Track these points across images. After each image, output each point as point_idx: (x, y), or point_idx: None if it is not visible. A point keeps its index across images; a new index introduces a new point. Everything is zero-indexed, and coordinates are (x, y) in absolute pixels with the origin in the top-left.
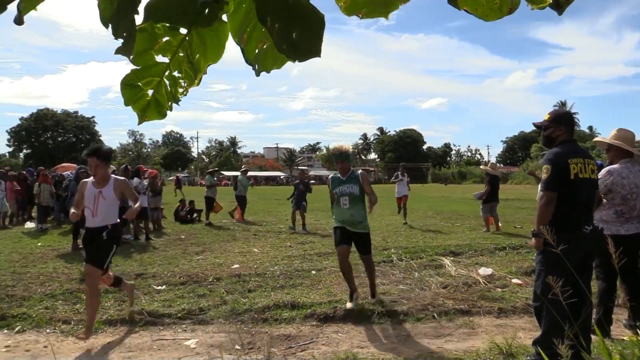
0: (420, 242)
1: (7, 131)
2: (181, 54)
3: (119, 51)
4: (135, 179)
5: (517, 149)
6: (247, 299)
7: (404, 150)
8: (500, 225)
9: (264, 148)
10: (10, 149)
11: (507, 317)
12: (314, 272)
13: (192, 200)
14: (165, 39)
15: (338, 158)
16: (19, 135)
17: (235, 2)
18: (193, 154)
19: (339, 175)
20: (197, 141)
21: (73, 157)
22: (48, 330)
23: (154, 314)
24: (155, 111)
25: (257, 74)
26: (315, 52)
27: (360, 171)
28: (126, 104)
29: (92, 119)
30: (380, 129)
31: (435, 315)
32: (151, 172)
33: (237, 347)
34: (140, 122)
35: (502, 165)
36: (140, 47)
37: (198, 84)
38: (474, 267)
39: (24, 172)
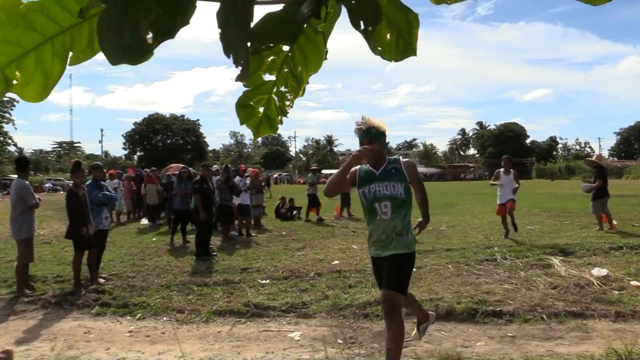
0: (525, 240)
1: (122, 135)
2: (285, 70)
3: (238, 79)
4: (237, 177)
5: (632, 141)
6: (348, 294)
7: (505, 144)
8: (614, 222)
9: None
10: (126, 152)
11: (626, 322)
12: (414, 269)
13: (292, 198)
14: (271, 58)
15: (365, 135)
16: (132, 138)
17: (325, 10)
18: (291, 153)
19: (367, 166)
20: (295, 140)
21: (180, 158)
22: (165, 318)
23: (260, 306)
24: (267, 126)
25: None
26: (411, 51)
27: (403, 159)
28: (241, 123)
29: (197, 122)
30: (480, 124)
31: (544, 316)
32: (253, 171)
33: (339, 341)
34: (255, 139)
35: (616, 159)
36: (250, 69)
37: (302, 95)
38: (587, 267)
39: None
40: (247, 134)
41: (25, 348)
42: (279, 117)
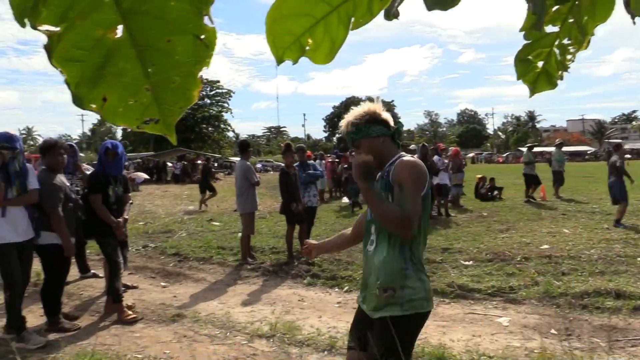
0: None
1: (322, 119)
2: (570, 20)
3: (533, 28)
4: (436, 157)
5: None
6: (561, 282)
7: None
8: None
9: (566, 121)
10: (326, 134)
11: None
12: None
13: (492, 178)
14: (555, 8)
15: (348, 140)
16: (332, 121)
17: None
18: (488, 131)
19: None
20: (493, 117)
21: None
22: None
23: (464, 288)
24: (545, 82)
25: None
26: None
27: (405, 157)
28: (518, 78)
29: (391, 103)
30: None
31: None
32: (454, 149)
33: (553, 331)
34: (531, 95)
35: None
36: (529, 22)
37: (586, 47)
38: None
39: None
40: (442, 113)
41: (250, 309)
42: (559, 72)
